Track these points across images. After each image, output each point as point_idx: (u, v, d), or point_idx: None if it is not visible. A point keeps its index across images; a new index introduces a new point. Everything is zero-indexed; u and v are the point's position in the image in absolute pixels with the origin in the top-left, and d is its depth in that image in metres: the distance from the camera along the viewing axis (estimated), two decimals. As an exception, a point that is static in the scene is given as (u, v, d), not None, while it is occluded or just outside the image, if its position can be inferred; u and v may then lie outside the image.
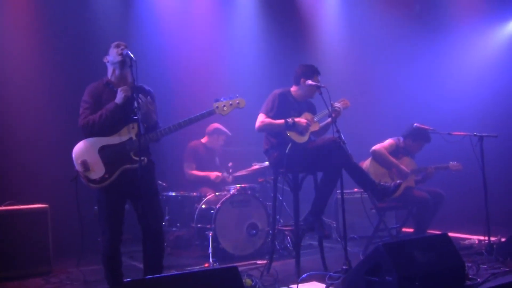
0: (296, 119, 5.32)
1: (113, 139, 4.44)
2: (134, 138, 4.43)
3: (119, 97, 4.40)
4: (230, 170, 7.40)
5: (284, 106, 5.45)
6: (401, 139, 6.78)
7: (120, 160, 4.39)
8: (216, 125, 7.50)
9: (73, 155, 4.40)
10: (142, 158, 4.30)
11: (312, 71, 5.55)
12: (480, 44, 8.85)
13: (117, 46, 4.51)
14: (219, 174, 7.27)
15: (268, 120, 5.40)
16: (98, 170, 4.36)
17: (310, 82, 5.39)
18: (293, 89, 5.63)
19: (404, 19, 9.00)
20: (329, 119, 5.42)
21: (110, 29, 7.41)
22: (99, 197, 4.46)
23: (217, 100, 4.64)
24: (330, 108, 5.19)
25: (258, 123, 5.45)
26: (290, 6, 9.42)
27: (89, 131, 4.42)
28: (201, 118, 4.58)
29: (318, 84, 5.30)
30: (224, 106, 4.63)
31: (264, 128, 5.45)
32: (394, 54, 9.02)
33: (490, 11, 8.59)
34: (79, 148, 4.40)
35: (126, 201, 4.58)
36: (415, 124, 6.65)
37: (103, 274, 4.59)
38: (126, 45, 4.56)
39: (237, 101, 4.67)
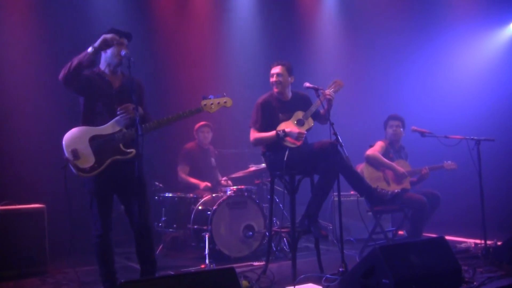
0: (287, 130, 5.30)
1: (105, 130, 4.49)
2: (124, 130, 4.50)
3: (98, 40, 4.39)
4: (229, 182, 7.39)
5: (269, 114, 5.46)
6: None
7: (109, 151, 4.45)
8: (199, 123, 7.52)
9: (64, 143, 4.43)
10: (130, 150, 4.44)
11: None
12: (479, 47, 8.87)
13: (120, 44, 4.54)
14: (209, 184, 7.25)
15: (259, 135, 5.43)
16: (88, 160, 4.41)
17: (307, 84, 5.36)
18: (274, 89, 5.61)
19: (401, 22, 9.01)
20: (323, 110, 5.43)
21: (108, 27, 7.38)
22: (89, 186, 4.52)
23: (204, 98, 4.76)
24: (319, 98, 5.28)
25: (251, 139, 5.51)
26: (287, 5, 9.40)
27: (64, 76, 4.39)
28: (189, 114, 4.70)
29: (316, 86, 5.28)
30: (212, 104, 4.78)
31: (257, 143, 5.50)
32: (391, 57, 9.02)
33: (489, 14, 8.61)
34: (70, 136, 4.44)
35: (113, 192, 4.64)
36: (412, 127, 6.69)
37: (98, 272, 4.62)
38: (127, 38, 4.63)
39: (225, 100, 4.82)
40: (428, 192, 6.62)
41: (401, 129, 6.88)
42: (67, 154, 4.41)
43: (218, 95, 4.81)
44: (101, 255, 4.56)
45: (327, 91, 5.36)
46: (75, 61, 4.34)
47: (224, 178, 7.43)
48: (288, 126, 5.36)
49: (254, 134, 5.48)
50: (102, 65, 4.68)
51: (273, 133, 5.33)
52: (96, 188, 4.49)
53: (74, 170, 4.40)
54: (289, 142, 5.31)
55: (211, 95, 4.79)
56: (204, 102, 4.75)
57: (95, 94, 4.54)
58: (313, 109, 5.48)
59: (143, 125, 4.46)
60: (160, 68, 8.16)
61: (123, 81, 4.67)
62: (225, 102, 4.81)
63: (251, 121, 5.52)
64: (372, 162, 6.65)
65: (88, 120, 4.54)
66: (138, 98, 4.46)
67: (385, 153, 6.73)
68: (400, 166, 6.66)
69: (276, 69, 5.53)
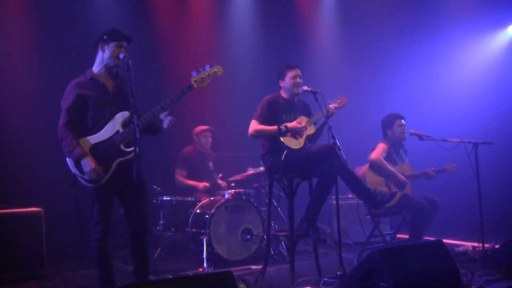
0: (289, 124, 5.33)
1: (102, 135, 4.47)
2: (121, 130, 4.47)
3: (86, 168, 4.36)
4: (220, 181, 7.39)
5: (274, 111, 5.47)
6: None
7: (112, 155, 4.44)
8: (199, 127, 7.51)
9: (67, 160, 4.47)
10: (131, 149, 4.40)
11: (285, 69, 5.59)
12: (477, 50, 8.88)
13: (119, 46, 4.51)
14: (207, 184, 7.23)
15: (260, 126, 5.42)
16: None
17: (306, 88, 5.39)
18: (281, 92, 5.66)
19: (399, 24, 9.01)
20: (323, 120, 5.43)
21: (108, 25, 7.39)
22: (91, 190, 4.49)
23: (194, 73, 4.59)
24: (324, 110, 5.27)
25: (250, 129, 5.47)
26: (286, 6, 9.41)
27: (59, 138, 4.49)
28: (182, 94, 4.53)
29: (314, 90, 5.30)
30: (202, 77, 4.59)
31: (256, 134, 5.46)
32: (388, 59, 9.02)
33: (488, 16, 8.62)
34: None
35: (115, 194, 4.62)
36: (411, 131, 6.68)
37: (96, 276, 4.59)
38: (127, 41, 4.59)
39: (215, 70, 4.64)
40: (427, 198, 6.57)
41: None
42: (73, 170, 4.42)
43: (207, 66, 4.62)
44: (100, 258, 4.54)
45: (331, 106, 5.45)
46: (66, 149, 4.42)
47: (220, 175, 7.41)
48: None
49: (255, 126, 5.44)
50: (96, 67, 4.61)
51: (274, 127, 5.34)
52: (98, 191, 4.47)
53: (84, 183, 4.41)
54: (288, 139, 5.32)
55: (200, 68, 4.60)
56: (194, 77, 4.56)
57: (91, 104, 4.50)
58: (317, 117, 5.52)
59: (141, 119, 4.42)
60: (159, 68, 8.14)
61: (117, 82, 4.63)
62: (215, 72, 4.62)
63: (256, 114, 5.51)
64: (376, 167, 6.57)
65: (86, 130, 4.50)
66: (133, 99, 4.37)
67: (388, 155, 6.65)
68: (404, 170, 6.63)
69: (299, 72, 5.56)
